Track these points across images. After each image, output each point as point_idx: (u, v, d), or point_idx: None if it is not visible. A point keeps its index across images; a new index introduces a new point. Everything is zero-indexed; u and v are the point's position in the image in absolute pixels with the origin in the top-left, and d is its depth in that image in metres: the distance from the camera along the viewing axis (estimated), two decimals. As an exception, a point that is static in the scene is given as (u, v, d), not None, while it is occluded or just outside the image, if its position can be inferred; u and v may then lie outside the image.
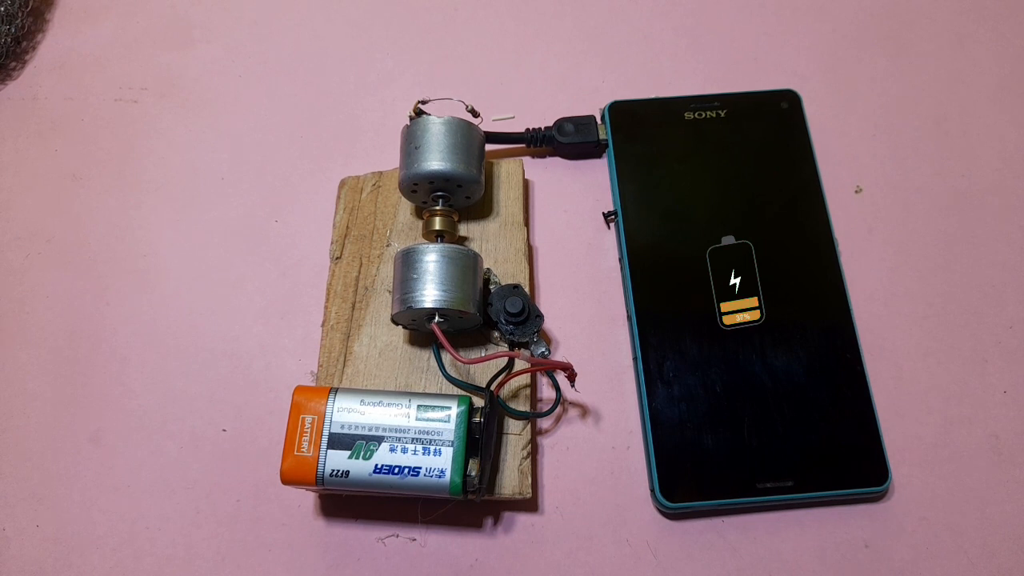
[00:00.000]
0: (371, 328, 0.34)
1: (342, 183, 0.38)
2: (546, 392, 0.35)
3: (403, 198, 0.36)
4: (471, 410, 0.29)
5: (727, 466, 0.33)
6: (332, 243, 0.36)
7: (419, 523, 0.32)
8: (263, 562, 0.32)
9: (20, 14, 0.43)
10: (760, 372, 0.34)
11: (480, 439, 0.29)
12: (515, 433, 0.32)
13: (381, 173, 0.38)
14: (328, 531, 0.33)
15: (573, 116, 0.40)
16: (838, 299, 0.36)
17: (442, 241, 0.34)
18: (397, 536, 0.32)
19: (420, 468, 0.28)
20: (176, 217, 0.40)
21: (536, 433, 0.34)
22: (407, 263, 0.32)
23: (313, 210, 0.39)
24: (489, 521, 0.33)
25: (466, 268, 0.32)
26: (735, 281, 0.36)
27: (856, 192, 0.40)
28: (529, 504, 0.33)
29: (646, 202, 0.38)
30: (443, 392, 0.32)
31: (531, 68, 0.44)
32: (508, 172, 0.38)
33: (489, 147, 0.39)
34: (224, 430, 0.35)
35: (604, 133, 0.40)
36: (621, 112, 0.40)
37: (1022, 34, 0.44)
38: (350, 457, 0.29)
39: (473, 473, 0.29)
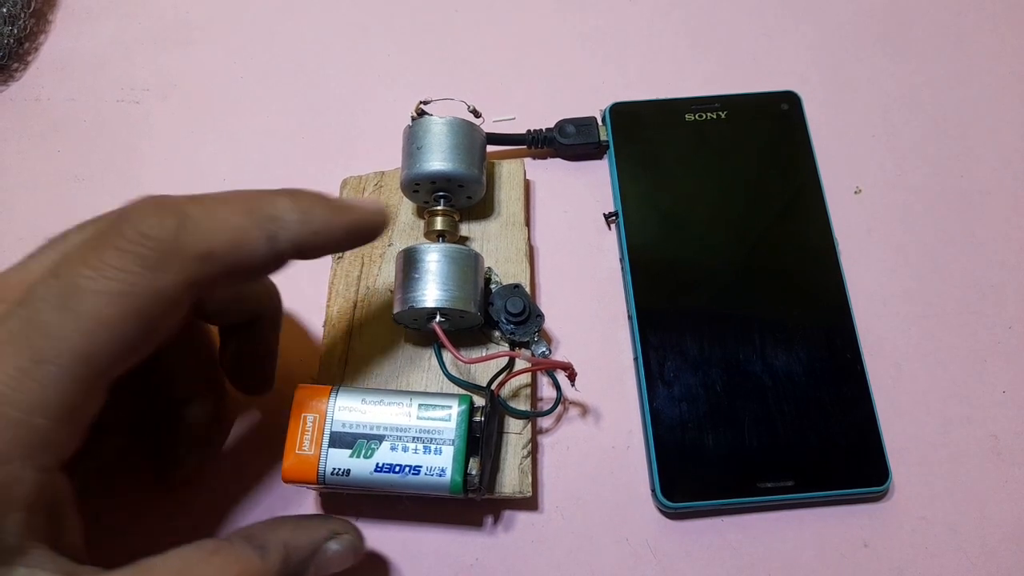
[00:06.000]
0: (372, 327, 0.34)
1: (344, 183, 0.38)
2: (546, 391, 0.35)
3: (405, 198, 0.36)
4: (472, 409, 0.30)
5: (727, 466, 0.33)
6: (333, 243, 0.36)
7: (418, 520, 0.33)
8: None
9: (23, 15, 0.44)
10: (760, 372, 0.34)
11: (481, 438, 0.29)
12: (515, 432, 0.32)
13: (383, 173, 0.38)
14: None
15: (574, 117, 0.40)
16: (838, 299, 0.36)
17: (443, 241, 0.34)
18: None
19: (421, 467, 0.29)
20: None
21: (536, 432, 0.34)
22: (409, 262, 0.32)
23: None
24: (489, 520, 0.33)
25: (467, 268, 0.32)
26: (735, 281, 0.37)
27: (856, 193, 0.40)
28: (529, 503, 0.33)
29: (647, 203, 0.38)
30: (444, 391, 0.33)
31: (532, 69, 0.44)
32: (509, 172, 0.38)
33: (490, 148, 0.39)
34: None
35: (605, 134, 0.40)
36: (622, 113, 0.40)
37: (1022, 34, 0.44)
38: (351, 456, 0.29)
39: (474, 472, 0.29)
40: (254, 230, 0.23)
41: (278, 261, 0.24)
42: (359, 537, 0.28)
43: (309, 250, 0.25)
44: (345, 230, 0.25)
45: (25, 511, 0.19)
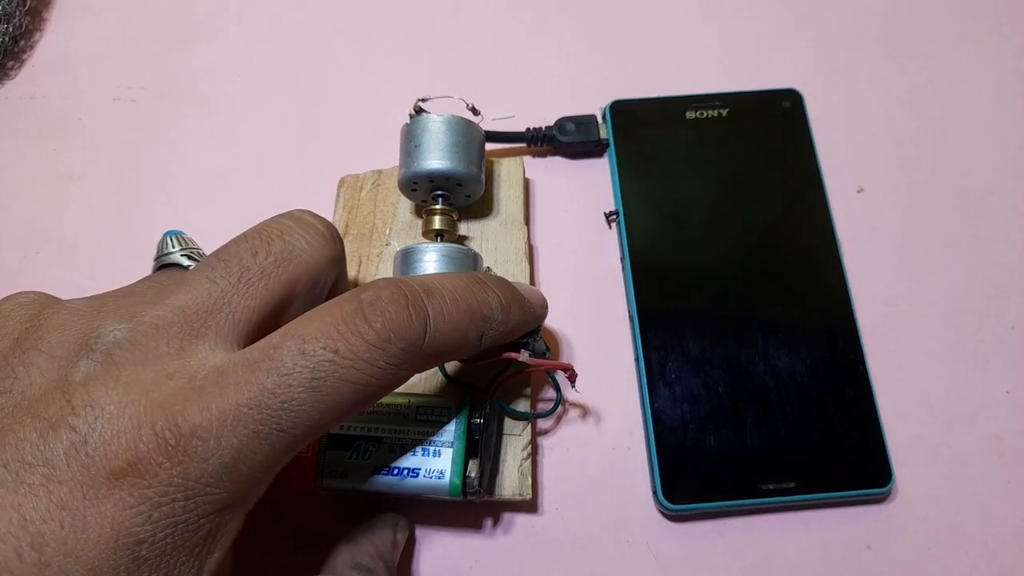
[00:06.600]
0: (371, 328, 0.34)
1: (341, 181, 0.38)
2: (546, 392, 0.35)
3: (403, 196, 0.36)
4: (471, 411, 0.29)
5: (729, 467, 0.33)
6: (331, 242, 0.36)
7: (416, 523, 0.32)
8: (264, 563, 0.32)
9: (18, 13, 0.43)
10: (762, 373, 0.34)
11: (480, 440, 0.29)
12: (515, 434, 0.32)
13: (381, 171, 0.38)
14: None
15: (574, 115, 0.40)
16: (841, 299, 0.36)
17: (442, 240, 0.34)
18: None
19: (419, 469, 0.28)
20: (175, 216, 0.40)
21: (536, 434, 0.34)
22: (406, 263, 0.32)
23: (312, 209, 0.39)
24: (488, 522, 0.33)
25: (466, 267, 0.32)
26: (736, 280, 0.36)
27: (858, 192, 0.40)
28: (529, 505, 0.33)
29: (647, 201, 0.38)
30: (443, 393, 0.32)
31: (532, 67, 0.43)
32: (508, 171, 0.38)
33: (490, 146, 0.38)
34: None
35: (605, 132, 0.40)
36: (622, 111, 0.40)
37: (1022, 34, 0.44)
38: (349, 458, 0.28)
39: (473, 474, 0.28)
40: (473, 332, 0.24)
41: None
42: (407, 519, 0.31)
43: (497, 344, 0.27)
44: (525, 326, 0.28)
45: (221, 552, 0.21)
